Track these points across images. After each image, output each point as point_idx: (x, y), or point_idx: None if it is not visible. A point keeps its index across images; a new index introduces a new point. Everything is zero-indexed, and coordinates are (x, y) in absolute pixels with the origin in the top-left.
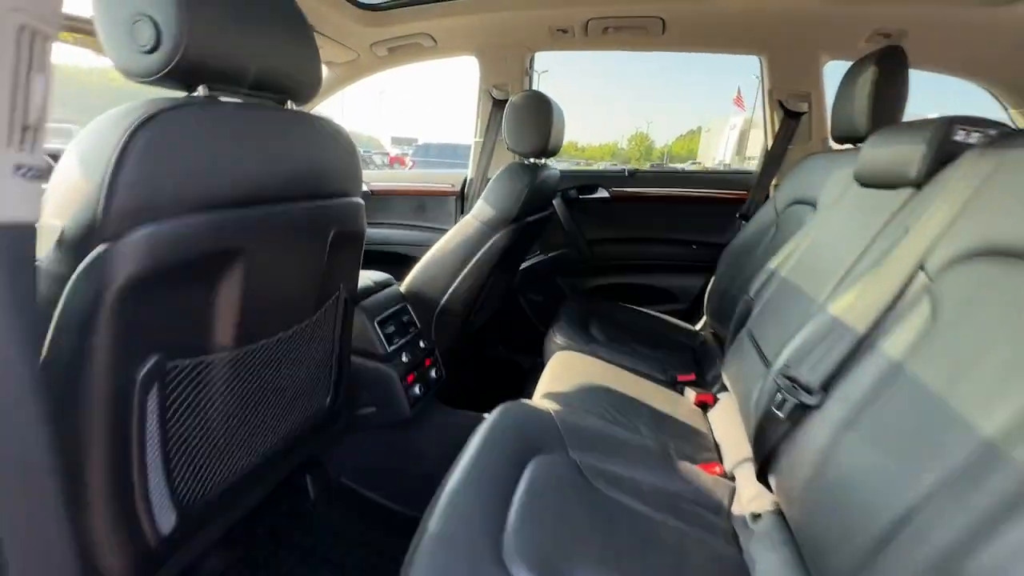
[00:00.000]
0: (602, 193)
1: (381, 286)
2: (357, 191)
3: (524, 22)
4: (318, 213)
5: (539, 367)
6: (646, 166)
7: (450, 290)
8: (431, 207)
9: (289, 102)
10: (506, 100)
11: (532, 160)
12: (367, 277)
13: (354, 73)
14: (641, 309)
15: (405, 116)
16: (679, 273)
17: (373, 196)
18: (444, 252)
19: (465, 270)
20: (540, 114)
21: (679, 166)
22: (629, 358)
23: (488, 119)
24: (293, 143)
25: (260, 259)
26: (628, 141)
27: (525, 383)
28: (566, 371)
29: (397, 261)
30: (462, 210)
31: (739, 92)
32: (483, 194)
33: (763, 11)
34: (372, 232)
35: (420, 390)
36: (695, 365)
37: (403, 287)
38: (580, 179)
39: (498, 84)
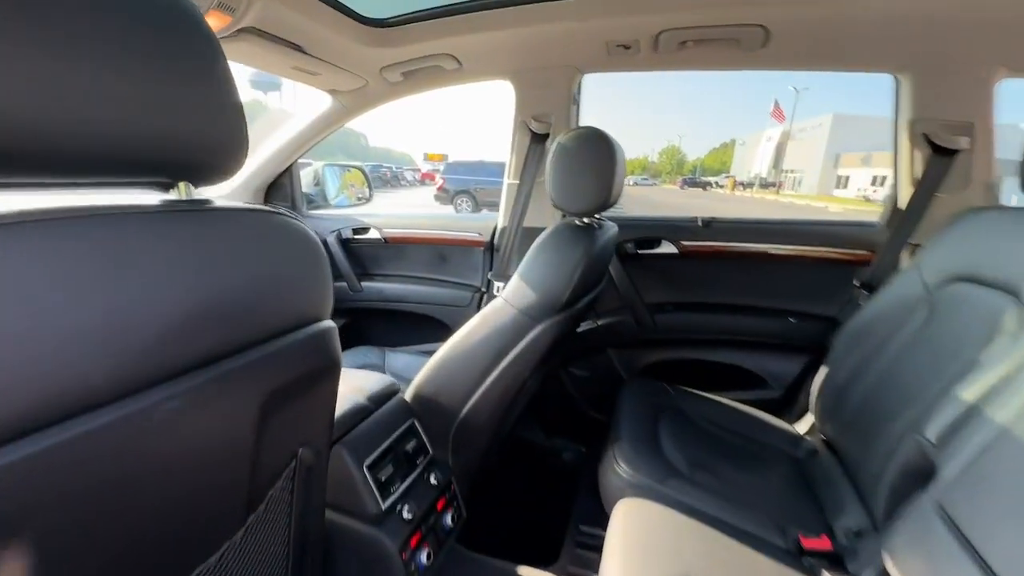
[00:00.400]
0: (667, 247)
1: (378, 401)
2: (325, 311)
3: (574, 37)
4: (238, 375)
5: (584, 459)
6: (678, 180)
7: (474, 398)
8: (454, 259)
9: (183, 186)
10: (547, 135)
11: (586, 220)
12: (359, 388)
13: (363, 103)
14: (720, 399)
15: (436, 131)
16: (768, 352)
17: (387, 244)
18: (467, 347)
19: (495, 372)
20: (599, 161)
21: (754, 213)
22: (724, 502)
23: (525, 157)
24: (188, 268)
25: (94, 504)
26: (659, 155)
27: (571, 492)
28: (639, 542)
29: (412, 321)
30: (491, 265)
31: (776, 104)
32: (520, 270)
33: (917, 17)
34: (384, 287)
35: (429, 556)
36: (812, 501)
37: (410, 393)
38: (640, 230)
39: (538, 115)
